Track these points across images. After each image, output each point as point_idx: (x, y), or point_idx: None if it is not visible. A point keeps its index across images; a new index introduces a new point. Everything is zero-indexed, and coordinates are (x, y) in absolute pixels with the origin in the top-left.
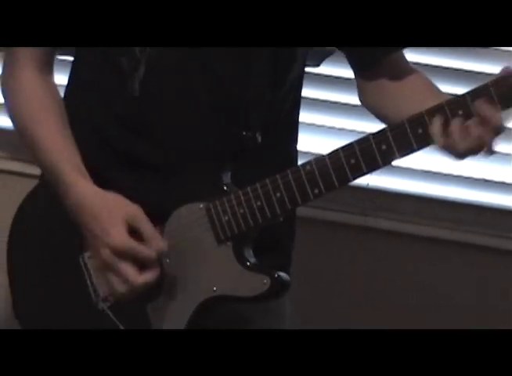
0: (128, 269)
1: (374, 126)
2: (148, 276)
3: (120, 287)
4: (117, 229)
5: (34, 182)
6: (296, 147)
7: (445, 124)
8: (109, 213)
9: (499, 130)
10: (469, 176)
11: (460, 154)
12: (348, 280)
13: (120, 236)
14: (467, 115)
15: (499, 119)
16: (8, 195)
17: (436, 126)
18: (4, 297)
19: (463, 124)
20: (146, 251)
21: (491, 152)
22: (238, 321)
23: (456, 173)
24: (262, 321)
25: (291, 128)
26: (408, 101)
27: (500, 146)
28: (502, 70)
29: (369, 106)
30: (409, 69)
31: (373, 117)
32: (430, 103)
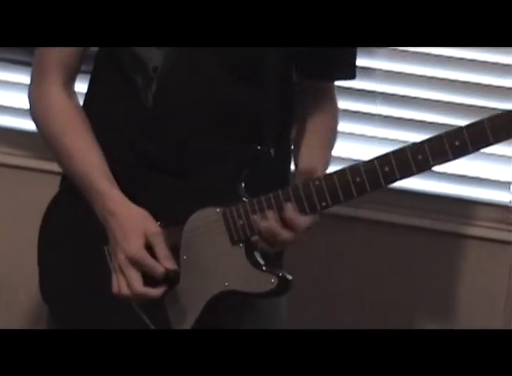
0: (134, 277)
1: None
2: (148, 291)
3: (124, 290)
4: (136, 240)
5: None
6: (290, 151)
7: None
8: (133, 224)
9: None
10: (444, 172)
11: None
12: (340, 266)
13: (136, 247)
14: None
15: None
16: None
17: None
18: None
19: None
20: (155, 265)
21: None
22: (242, 305)
23: (435, 169)
24: (260, 303)
25: (289, 136)
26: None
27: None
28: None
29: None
30: (328, 103)
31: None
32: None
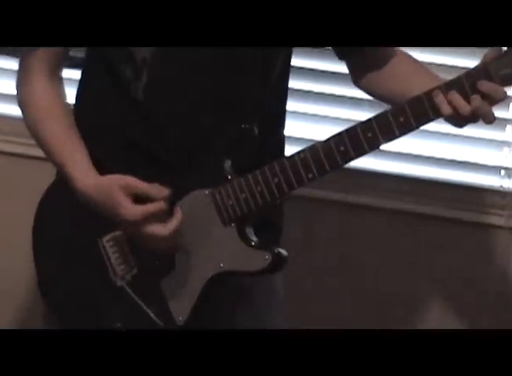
0: (154, 229)
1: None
2: (172, 225)
3: (160, 245)
4: (123, 206)
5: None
6: (283, 133)
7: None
8: (109, 196)
9: (499, 102)
10: (442, 158)
11: (461, 124)
12: (333, 251)
13: (128, 211)
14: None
15: (502, 95)
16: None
17: (441, 98)
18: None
19: (465, 97)
20: (155, 206)
21: (492, 121)
22: (238, 291)
23: (427, 154)
24: (257, 291)
25: (280, 117)
26: (399, 81)
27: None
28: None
29: (363, 89)
30: (393, 51)
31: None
32: (421, 82)
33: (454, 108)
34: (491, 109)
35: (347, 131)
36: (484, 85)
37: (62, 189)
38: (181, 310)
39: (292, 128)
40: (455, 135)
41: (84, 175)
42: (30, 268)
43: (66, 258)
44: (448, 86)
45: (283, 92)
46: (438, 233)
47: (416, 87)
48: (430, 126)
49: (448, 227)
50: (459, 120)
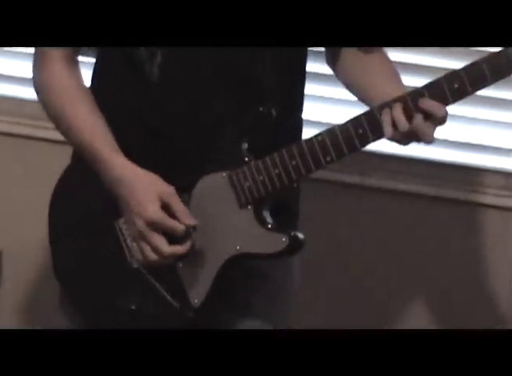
0: (158, 240)
1: None
2: (176, 249)
3: (151, 255)
4: (152, 203)
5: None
6: (301, 116)
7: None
8: (145, 188)
9: (442, 123)
10: (450, 139)
11: (404, 142)
12: (347, 235)
13: (153, 210)
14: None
15: (443, 113)
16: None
17: (387, 116)
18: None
19: (409, 117)
20: (175, 224)
21: (431, 141)
22: (255, 274)
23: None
24: (273, 274)
25: (298, 99)
26: (362, 76)
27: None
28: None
29: (333, 70)
30: (374, 50)
31: None
32: (380, 85)
33: (394, 124)
34: (431, 128)
35: (365, 114)
36: (425, 103)
37: (77, 172)
38: (197, 292)
39: (310, 111)
40: (463, 117)
41: (115, 152)
42: (44, 252)
43: (82, 241)
44: (394, 102)
45: (300, 73)
46: (454, 214)
47: (376, 89)
48: None
49: (464, 209)
50: (400, 137)
